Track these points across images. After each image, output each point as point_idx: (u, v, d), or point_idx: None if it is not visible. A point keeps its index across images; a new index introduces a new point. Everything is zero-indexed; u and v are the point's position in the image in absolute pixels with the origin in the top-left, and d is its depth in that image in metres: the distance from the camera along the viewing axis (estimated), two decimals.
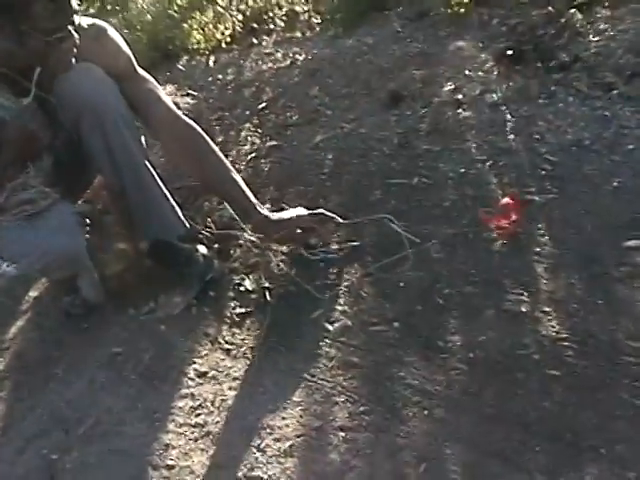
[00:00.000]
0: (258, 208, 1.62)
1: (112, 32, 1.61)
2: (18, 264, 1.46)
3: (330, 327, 1.50)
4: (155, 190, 1.62)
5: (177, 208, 1.70)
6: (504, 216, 1.55)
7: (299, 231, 1.64)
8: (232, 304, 1.66)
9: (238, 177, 1.66)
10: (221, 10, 3.04)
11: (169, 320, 1.66)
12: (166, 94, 1.74)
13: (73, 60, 1.43)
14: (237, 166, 2.15)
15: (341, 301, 1.56)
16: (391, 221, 1.62)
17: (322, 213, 1.64)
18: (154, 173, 1.63)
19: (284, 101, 2.37)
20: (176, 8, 3.21)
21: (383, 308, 1.50)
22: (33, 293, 1.96)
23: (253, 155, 2.17)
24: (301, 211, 1.65)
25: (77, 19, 1.39)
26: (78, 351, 1.68)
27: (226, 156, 2.21)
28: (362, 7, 2.60)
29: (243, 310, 1.63)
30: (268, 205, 1.87)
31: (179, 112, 1.69)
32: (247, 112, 2.41)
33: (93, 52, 1.50)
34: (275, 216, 1.64)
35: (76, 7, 1.39)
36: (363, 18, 2.59)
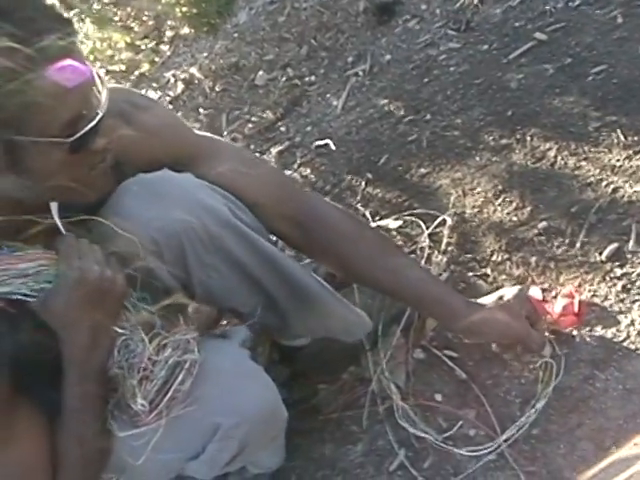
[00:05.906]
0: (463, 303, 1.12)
1: (148, 99, 1.11)
2: (211, 466, 1.00)
3: None
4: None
5: None
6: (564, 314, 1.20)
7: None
8: None
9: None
10: None
11: None
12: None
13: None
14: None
15: None
16: None
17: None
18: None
19: None
20: None
21: None
22: None
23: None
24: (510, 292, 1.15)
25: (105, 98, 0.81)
26: None
27: None
28: None
29: None
30: None
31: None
32: None
33: (141, 145, 0.97)
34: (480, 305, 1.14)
35: (101, 80, 0.81)
36: None
